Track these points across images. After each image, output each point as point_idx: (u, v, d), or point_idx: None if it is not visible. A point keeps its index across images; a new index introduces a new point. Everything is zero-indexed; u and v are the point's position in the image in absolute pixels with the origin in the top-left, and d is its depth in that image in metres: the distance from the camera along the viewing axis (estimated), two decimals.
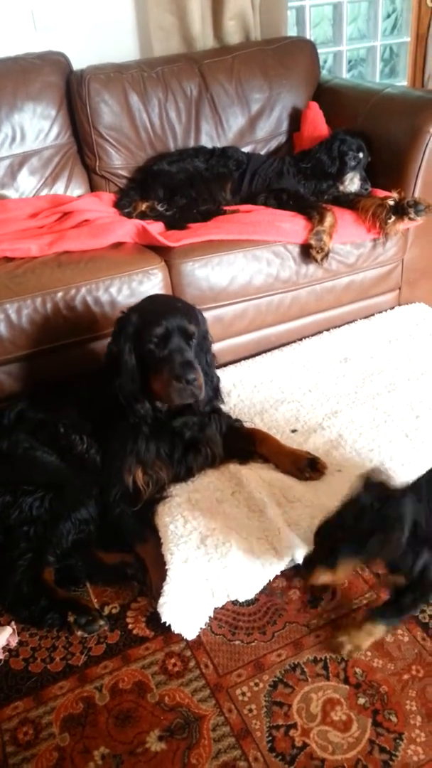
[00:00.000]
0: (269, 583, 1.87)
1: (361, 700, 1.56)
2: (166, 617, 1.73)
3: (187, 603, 1.75)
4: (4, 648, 1.76)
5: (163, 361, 1.93)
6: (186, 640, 1.74)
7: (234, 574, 1.82)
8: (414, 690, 1.57)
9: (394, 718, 1.52)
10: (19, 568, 1.83)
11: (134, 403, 1.98)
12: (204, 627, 1.76)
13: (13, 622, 1.82)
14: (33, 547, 1.86)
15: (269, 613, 1.80)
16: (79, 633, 1.76)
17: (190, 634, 1.74)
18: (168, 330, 1.93)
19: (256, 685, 1.62)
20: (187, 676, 1.66)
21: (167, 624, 1.73)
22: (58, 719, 1.58)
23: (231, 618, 1.79)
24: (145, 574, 1.89)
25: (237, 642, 1.73)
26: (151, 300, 2.10)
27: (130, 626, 1.80)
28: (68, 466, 2.02)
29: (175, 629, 1.73)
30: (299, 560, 1.86)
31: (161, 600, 1.75)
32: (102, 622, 1.77)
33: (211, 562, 1.83)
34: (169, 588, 1.76)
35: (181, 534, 1.93)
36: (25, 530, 1.87)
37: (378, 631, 1.65)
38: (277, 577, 1.89)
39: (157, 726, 1.55)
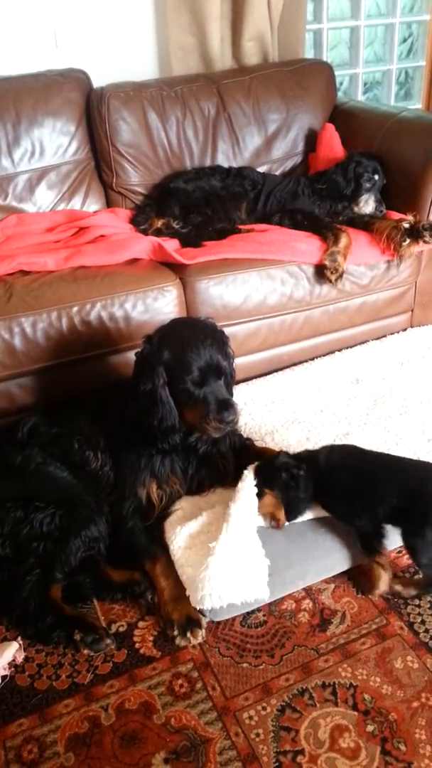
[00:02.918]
0: (278, 606, 1.86)
1: (370, 728, 1.54)
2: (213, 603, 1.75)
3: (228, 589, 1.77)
4: (10, 664, 1.75)
5: (200, 401, 1.91)
6: (193, 660, 1.73)
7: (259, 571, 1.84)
8: (424, 718, 1.55)
9: (403, 747, 1.50)
10: (26, 584, 1.82)
11: (171, 434, 1.97)
12: (212, 648, 1.76)
13: (19, 638, 1.82)
14: (41, 563, 1.85)
15: (278, 636, 1.78)
16: (86, 651, 1.75)
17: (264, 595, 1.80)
18: (203, 372, 1.90)
19: (264, 709, 1.60)
20: (194, 697, 1.64)
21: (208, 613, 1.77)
22: (63, 738, 1.57)
23: (239, 640, 1.78)
24: (154, 592, 1.88)
25: (245, 664, 1.71)
26: (179, 330, 1.99)
27: (137, 645, 1.79)
28: (80, 482, 2.02)
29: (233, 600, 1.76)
30: None
31: (198, 595, 1.75)
32: (109, 641, 1.77)
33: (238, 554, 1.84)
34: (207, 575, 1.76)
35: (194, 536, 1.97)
36: (34, 546, 1.86)
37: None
38: (286, 599, 1.88)
39: (163, 748, 1.53)
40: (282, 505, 1.96)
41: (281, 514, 1.97)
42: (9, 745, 1.57)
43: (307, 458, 2.03)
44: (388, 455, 2.06)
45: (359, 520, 1.90)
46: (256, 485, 1.95)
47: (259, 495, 1.95)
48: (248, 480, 1.96)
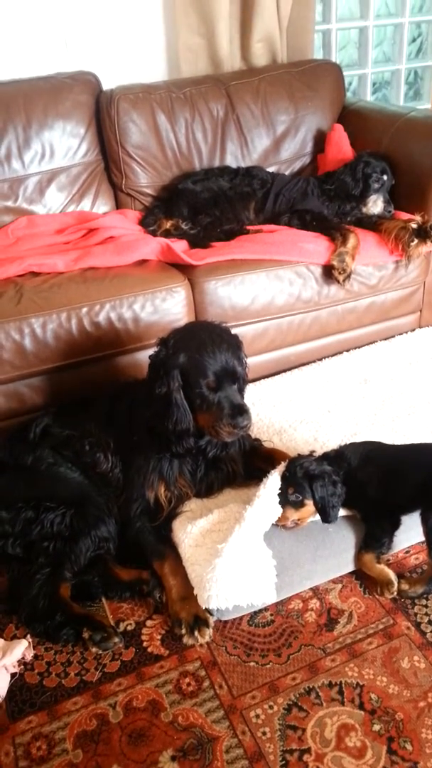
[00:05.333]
0: (285, 605, 1.87)
1: (376, 727, 1.55)
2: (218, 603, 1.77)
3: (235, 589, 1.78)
4: (19, 661, 1.77)
5: (214, 405, 1.92)
6: (200, 659, 1.74)
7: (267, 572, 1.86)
8: (430, 718, 1.56)
9: (409, 747, 1.50)
10: (36, 583, 1.85)
11: (186, 437, 1.97)
12: (219, 647, 1.77)
13: (28, 636, 1.83)
14: (51, 562, 1.87)
15: (285, 635, 1.79)
16: (94, 649, 1.77)
17: (271, 598, 1.83)
18: (218, 377, 1.91)
19: (270, 707, 1.61)
20: (201, 696, 1.65)
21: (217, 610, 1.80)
22: (72, 735, 1.59)
23: (246, 639, 1.79)
24: (162, 591, 1.89)
25: (252, 663, 1.72)
26: (195, 334, 1.99)
27: (145, 644, 1.80)
28: (91, 483, 2.03)
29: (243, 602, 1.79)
30: None
31: (205, 595, 1.77)
32: (117, 640, 1.78)
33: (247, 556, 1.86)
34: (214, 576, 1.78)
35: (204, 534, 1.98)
36: (45, 546, 1.89)
37: None
38: (293, 598, 1.89)
39: (170, 746, 1.55)
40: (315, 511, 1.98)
41: (307, 520, 2.00)
42: (18, 741, 1.59)
43: (335, 459, 2.03)
44: (409, 444, 2.15)
45: (383, 513, 1.95)
46: (292, 493, 1.94)
47: (296, 504, 1.95)
48: (270, 485, 1.95)
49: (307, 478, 1.94)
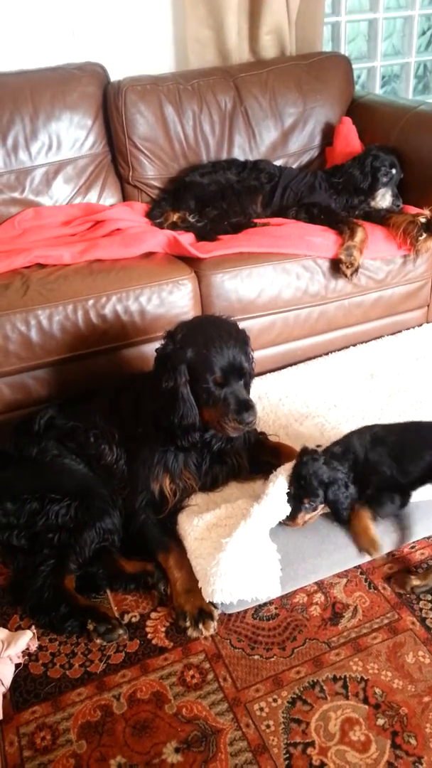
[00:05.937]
0: (290, 599, 1.87)
1: (380, 721, 1.55)
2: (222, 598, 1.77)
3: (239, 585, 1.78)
4: (24, 652, 1.77)
5: (220, 401, 1.92)
6: (205, 651, 1.74)
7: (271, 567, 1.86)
8: None
9: (413, 741, 1.50)
10: (41, 574, 1.85)
11: (191, 432, 1.97)
12: (224, 640, 1.77)
13: (33, 627, 1.84)
14: (56, 553, 1.88)
15: (289, 629, 1.79)
16: (99, 641, 1.77)
17: (275, 592, 1.83)
18: (225, 373, 1.91)
19: (275, 701, 1.61)
20: (206, 688, 1.65)
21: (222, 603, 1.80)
22: (76, 726, 1.59)
23: (250, 632, 1.79)
24: (167, 583, 1.89)
25: (256, 656, 1.72)
26: (202, 329, 1.99)
27: (149, 636, 1.80)
28: (96, 475, 2.03)
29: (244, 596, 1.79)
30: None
31: (209, 589, 1.77)
32: (121, 631, 1.78)
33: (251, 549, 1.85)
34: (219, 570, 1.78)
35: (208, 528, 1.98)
36: (50, 537, 1.89)
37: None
38: (298, 592, 1.88)
39: (174, 738, 1.55)
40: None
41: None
42: (23, 731, 1.59)
43: (343, 454, 2.02)
44: (411, 422, 2.22)
45: (395, 488, 1.96)
46: (308, 502, 1.94)
47: (309, 509, 1.96)
48: (279, 485, 1.93)
49: (322, 486, 1.93)
